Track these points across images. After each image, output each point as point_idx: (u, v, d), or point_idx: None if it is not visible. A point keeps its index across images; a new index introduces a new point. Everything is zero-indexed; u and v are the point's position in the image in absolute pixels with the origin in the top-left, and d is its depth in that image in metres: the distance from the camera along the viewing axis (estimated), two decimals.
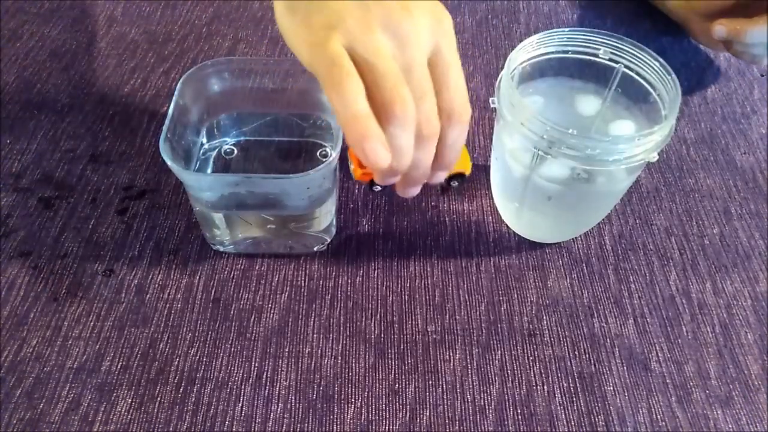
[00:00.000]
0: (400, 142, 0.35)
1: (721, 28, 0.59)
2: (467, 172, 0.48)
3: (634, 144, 0.41)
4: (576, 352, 0.46)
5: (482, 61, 0.66)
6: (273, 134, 0.54)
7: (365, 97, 0.34)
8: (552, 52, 0.48)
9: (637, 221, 0.54)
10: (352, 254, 0.51)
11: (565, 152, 0.42)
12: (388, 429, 0.42)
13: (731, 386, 0.45)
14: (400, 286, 0.49)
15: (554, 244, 0.52)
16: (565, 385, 0.44)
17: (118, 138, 0.58)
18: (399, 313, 0.48)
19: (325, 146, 0.53)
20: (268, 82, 0.51)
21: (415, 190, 0.42)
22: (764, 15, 0.56)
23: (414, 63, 0.36)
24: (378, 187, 0.47)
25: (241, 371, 0.44)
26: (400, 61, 0.35)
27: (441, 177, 0.42)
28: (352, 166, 0.47)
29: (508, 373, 0.45)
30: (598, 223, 0.53)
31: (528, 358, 0.45)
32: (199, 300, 0.48)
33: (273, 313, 0.47)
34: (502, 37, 0.69)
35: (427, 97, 0.36)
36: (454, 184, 0.50)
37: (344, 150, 0.50)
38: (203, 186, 0.46)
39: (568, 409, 0.43)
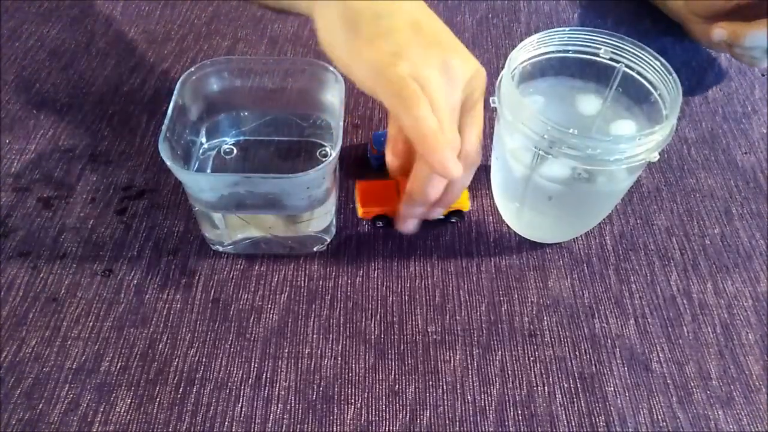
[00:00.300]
0: (451, 164, 0.39)
1: (720, 31, 0.59)
2: (466, 209, 0.51)
3: (635, 144, 0.41)
4: (577, 353, 0.46)
5: (482, 61, 0.65)
6: (273, 134, 0.54)
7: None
8: (552, 52, 0.48)
9: (638, 221, 0.54)
10: (352, 254, 0.51)
11: (565, 152, 0.41)
12: (388, 430, 0.42)
13: (732, 387, 0.45)
14: (400, 286, 0.49)
15: (555, 244, 0.52)
16: (565, 385, 0.44)
17: (118, 138, 0.58)
18: (399, 313, 0.47)
19: (325, 146, 0.53)
20: (268, 82, 0.51)
21: (415, 226, 0.46)
22: (763, 18, 0.56)
23: (455, 102, 0.40)
24: (380, 223, 0.51)
25: (241, 372, 0.44)
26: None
27: (438, 212, 0.47)
28: (357, 204, 0.51)
29: (508, 374, 0.45)
30: (599, 223, 0.53)
31: (528, 359, 0.45)
32: (198, 300, 0.48)
33: (273, 314, 0.47)
34: (503, 37, 0.69)
35: (456, 135, 0.41)
36: (453, 220, 0.52)
37: (351, 184, 0.53)
38: (203, 186, 0.46)
39: (568, 410, 0.43)
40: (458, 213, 0.51)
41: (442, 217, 0.51)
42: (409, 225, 0.46)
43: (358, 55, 0.39)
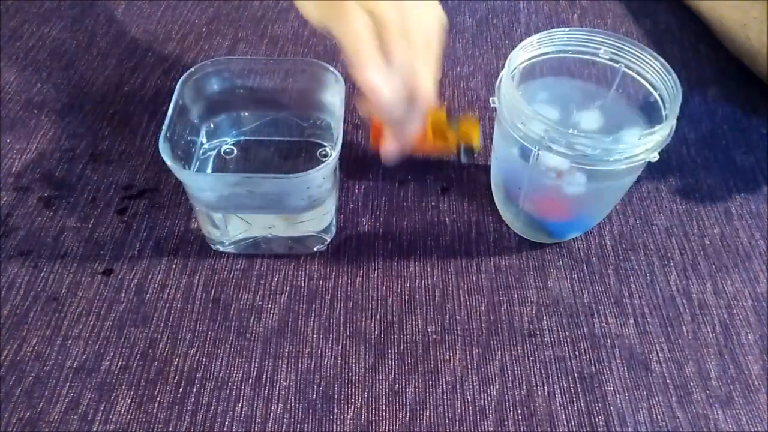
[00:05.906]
0: (392, 82, 0.40)
1: None
2: (477, 147, 0.53)
3: (634, 144, 0.41)
4: (576, 353, 0.46)
5: (482, 61, 0.66)
6: (273, 134, 0.54)
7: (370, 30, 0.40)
8: (552, 52, 0.48)
9: (638, 221, 0.54)
10: (352, 254, 0.51)
11: (565, 152, 0.41)
12: (388, 429, 0.42)
13: (731, 386, 0.45)
14: (400, 286, 0.49)
15: (554, 244, 0.52)
16: (565, 385, 0.44)
17: (118, 137, 0.58)
18: (399, 313, 0.47)
19: (325, 146, 0.53)
20: (268, 82, 0.52)
21: (394, 158, 0.47)
22: None
23: (407, 29, 0.41)
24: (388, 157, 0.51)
25: (241, 371, 0.44)
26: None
27: (395, 151, 0.47)
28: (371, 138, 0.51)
29: (508, 374, 0.45)
30: (599, 223, 0.53)
31: (528, 359, 0.45)
32: (198, 300, 0.48)
33: (273, 313, 0.47)
34: (503, 37, 0.69)
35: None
36: (464, 161, 0.53)
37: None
38: (203, 186, 0.46)
39: (568, 410, 0.43)
40: (469, 150, 0.52)
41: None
42: (388, 155, 0.47)
43: None
